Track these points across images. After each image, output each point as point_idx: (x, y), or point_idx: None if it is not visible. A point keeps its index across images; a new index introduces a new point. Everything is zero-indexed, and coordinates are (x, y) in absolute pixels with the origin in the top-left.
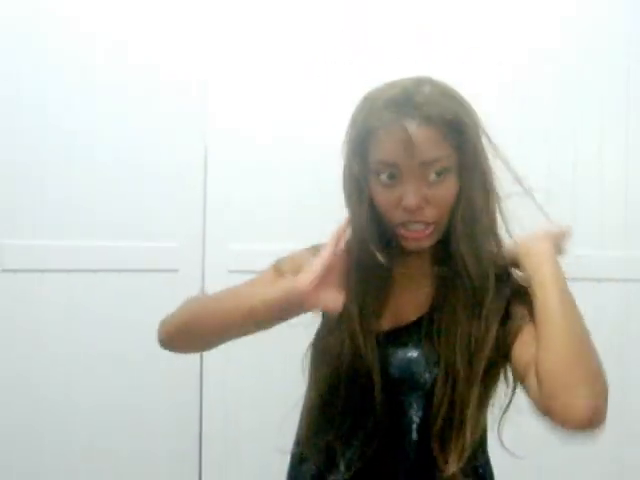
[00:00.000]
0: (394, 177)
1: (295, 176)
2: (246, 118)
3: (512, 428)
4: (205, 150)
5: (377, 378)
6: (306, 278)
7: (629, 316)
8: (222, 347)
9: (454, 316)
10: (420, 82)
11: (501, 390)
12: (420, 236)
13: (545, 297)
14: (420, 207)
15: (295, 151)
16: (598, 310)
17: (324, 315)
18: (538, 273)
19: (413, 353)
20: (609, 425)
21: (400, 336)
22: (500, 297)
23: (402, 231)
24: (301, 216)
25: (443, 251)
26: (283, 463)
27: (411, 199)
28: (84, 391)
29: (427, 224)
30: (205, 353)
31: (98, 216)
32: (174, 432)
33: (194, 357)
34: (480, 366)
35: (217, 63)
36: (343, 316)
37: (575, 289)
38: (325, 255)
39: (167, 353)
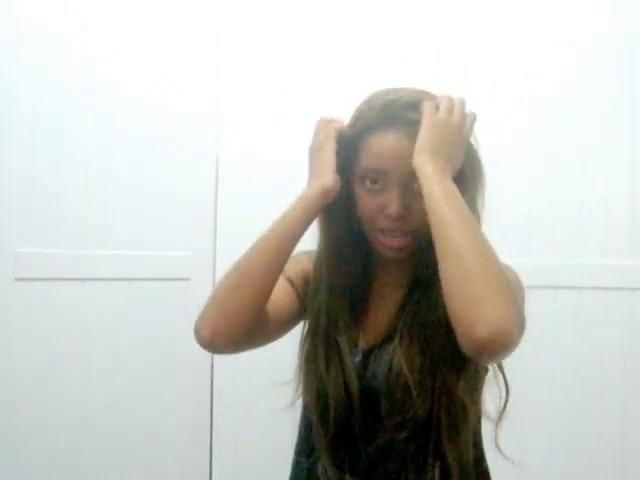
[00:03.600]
0: (380, 183)
1: (304, 185)
2: (256, 130)
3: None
4: (216, 162)
5: (356, 397)
6: (331, 177)
7: (634, 325)
8: (231, 356)
9: (420, 331)
10: (418, 97)
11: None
12: (397, 245)
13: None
14: (402, 216)
15: (305, 160)
16: (604, 318)
17: (305, 332)
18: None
19: (394, 370)
20: (611, 433)
21: (382, 352)
22: None
23: (381, 238)
24: (312, 225)
25: (422, 264)
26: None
27: (395, 207)
28: (97, 399)
29: (406, 233)
30: (216, 359)
31: (112, 226)
32: (185, 436)
33: (205, 363)
34: (451, 381)
35: (227, 77)
36: (324, 334)
37: (581, 297)
38: (331, 148)
39: (179, 359)
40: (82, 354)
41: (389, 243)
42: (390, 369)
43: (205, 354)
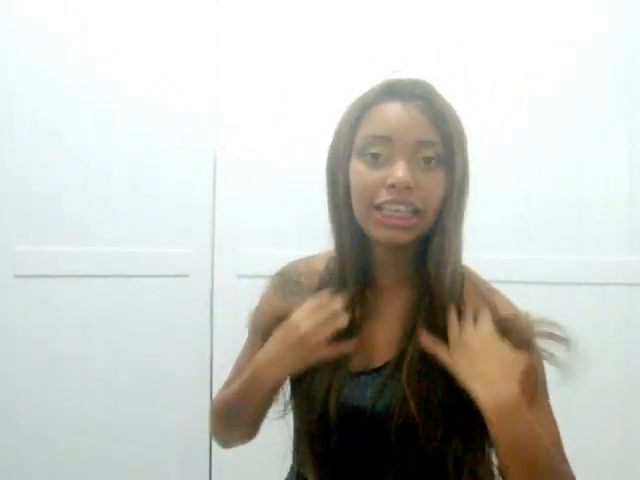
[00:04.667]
0: (382, 157)
1: (303, 181)
2: (254, 128)
3: None
4: (214, 159)
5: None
6: (316, 333)
7: (633, 321)
8: (230, 354)
9: (419, 360)
10: (419, 80)
11: None
12: (399, 223)
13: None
14: (408, 187)
15: (303, 157)
16: (602, 315)
17: None
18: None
19: (393, 396)
20: (611, 430)
21: (375, 378)
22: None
23: (378, 215)
24: (309, 221)
25: (422, 280)
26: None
27: (400, 173)
28: (96, 395)
29: (413, 212)
30: (215, 359)
31: (110, 223)
32: (185, 432)
33: (204, 360)
34: (441, 418)
35: (227, 77)
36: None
37: (579, 294)
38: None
39: (178, 356)
40: (81, 351)
41: (389, 221)
42: (400, 408)
43: (205, 352)
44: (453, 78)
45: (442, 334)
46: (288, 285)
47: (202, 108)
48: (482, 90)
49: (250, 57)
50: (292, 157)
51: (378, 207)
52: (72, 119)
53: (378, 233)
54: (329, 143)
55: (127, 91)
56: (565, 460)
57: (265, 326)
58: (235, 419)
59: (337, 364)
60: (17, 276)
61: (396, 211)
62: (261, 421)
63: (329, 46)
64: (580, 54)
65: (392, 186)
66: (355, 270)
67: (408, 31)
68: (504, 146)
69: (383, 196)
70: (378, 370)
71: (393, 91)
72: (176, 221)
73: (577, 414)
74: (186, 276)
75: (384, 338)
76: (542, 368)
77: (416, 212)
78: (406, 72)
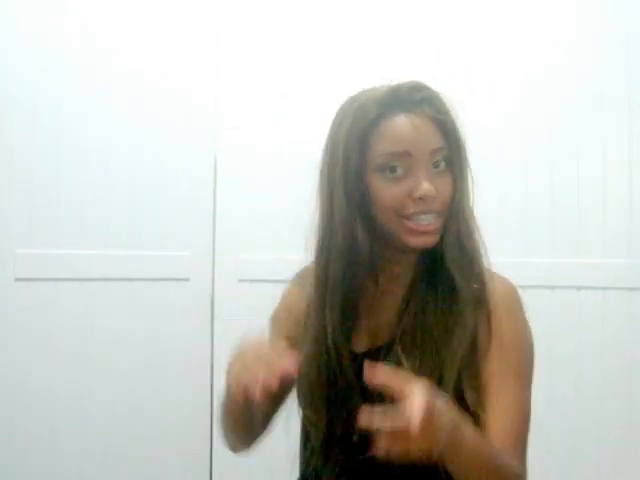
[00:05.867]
0: (400, 170)
1: (303, 185)
2: (254, 130)
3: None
4: (215, 162)
5: (357, 398)
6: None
7: (633, 324)
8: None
9: (422, 339)
10: (416, 84)
11: None
12: (431, 229)
13: None
14: (434, 196)
15: (303, 160)
16: (603, 318)
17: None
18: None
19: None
20: (611, 433)
21: (377, 358)
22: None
23: (411, 224)
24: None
25: (428, 264)
26: (293, 469)
27: (427, 186)
28: (97, 398)
29: (438, 215)
30: (215, 359)
31: (111, 226)
32: (186, 437)
33: (204, 364)
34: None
35: (227, 77)
36: (319, 337)
37: (579, 298)
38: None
39: (178, 360)
40: (82, 354)
41: (424, 228)
42: None
43: (205, 356)
44: (453, 78)
45: (433, 315)
46: (306, 286)
47: (202, 108)
48: (482, 90)
49: (250, 57)
50: (293, 158)
51: (407, 216)
52: (72, 121)
53: (411, 240)
54: (329, 156)
55: (127, 92)
56: (519, 455)
57: (286, 321)
58: (227, 427)
59: (345, 343)
60: (18, 279)
61: (427, 219)
62: (253, 432)
63: (329, 46)
64: (580, 55)
65: (420, 198)
66: (341, 273)
67: (408, 31)
68: (504, 147)
69: (412, 208)
70: (379, 350)
71: (396, 100)
72: (177, 225)
73: (577, 418)
74: (187, 280)
75: (385, 320)
76: (518, 352)
77: (439, 215)
78: (405, 72)
